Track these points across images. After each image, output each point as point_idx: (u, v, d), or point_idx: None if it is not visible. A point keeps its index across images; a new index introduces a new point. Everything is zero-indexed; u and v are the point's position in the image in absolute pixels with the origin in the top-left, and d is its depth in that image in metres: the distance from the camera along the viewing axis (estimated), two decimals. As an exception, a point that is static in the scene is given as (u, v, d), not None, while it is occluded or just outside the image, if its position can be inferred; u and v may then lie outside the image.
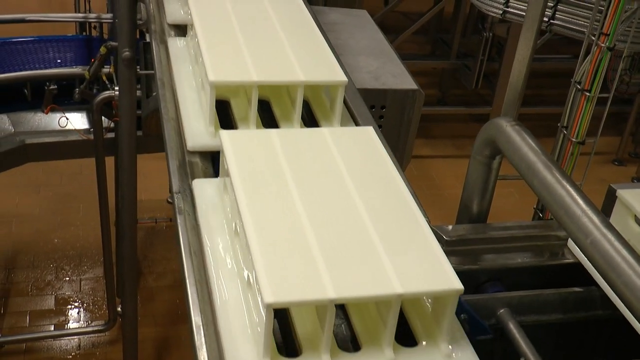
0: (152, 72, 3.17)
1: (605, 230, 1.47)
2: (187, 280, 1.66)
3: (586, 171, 2.34)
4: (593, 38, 2.17)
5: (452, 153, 7.06)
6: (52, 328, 4.81)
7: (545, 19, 4.15)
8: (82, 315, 4.93)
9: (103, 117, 4.10)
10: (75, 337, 4.79)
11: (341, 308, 1.62)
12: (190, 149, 2.04)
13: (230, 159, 1.74)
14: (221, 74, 2.04)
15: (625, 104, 6.87)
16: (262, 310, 1.41)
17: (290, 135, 1.91)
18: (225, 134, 1.83)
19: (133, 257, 4.01)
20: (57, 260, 5.35)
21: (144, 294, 5.01)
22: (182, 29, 2.64)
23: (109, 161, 4.40)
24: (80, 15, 5.76)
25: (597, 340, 1.94)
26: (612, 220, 1.79)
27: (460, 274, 1.86)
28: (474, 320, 1.70)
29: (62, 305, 4.97)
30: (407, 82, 2.88)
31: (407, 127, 2.91)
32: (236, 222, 1.67)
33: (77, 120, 4.50)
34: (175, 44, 2.53)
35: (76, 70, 4.30)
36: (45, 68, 4.44)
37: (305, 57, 2.19)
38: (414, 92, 2.85)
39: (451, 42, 7.22)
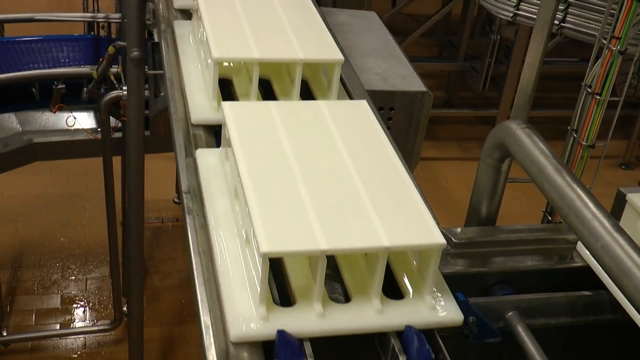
0: (161, 72, 3.17)
1: (616, 234, 1.46)
2: (196, 280, 1.66)
3: (596, 175, 2.33)
4: (604, 41, 2.16)
5: (459, 155, 7.05)
6: (58, 327, 4.81)
7: (556, 22, 4.14)
8: (87, 314, 4.94)
9: (110, 117, 4.11)
10: (81, 336, 4.80)
11: (334, 270, 1.70)
12: (194, 122, 2.16)
13: (231, 127, 1.84)
14: (224, 51, 2.16)
15: (633, 108, 6.85)
16: (258, 261, 1.52)
17: (288, 107, 2.02)
18: (227, 105, 1.94)
19: (139, 256, 4.01)
20: (63, 259, 5.35)
21: (149, 293, 5.02)
22: (188, 15, 2.75)
23: (116, 161, 4.40)
24: (88, 15, 5.77)
25: (606, 344, 1.93)
26: (621, 224, 1.79)
27: (469, 277, 1.87)
28: (483, 323, 1.70)
29: (68, 304, 4.98)
30: (415, 84, 2.88)
31: (415, 129, 2.91)
32: (236, 185, 1.77)
33: (84, 120, 4.51)
34: (181, 26, 2.66)
35: (84, 69, 4.31)
36: (54, 67, 4.44)
37: (304, 37, 2.31)
38: (422, 94, 2.85)
39: (459, 45, 7.21)
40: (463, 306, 1.65)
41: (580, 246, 1.92)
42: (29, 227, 5.59)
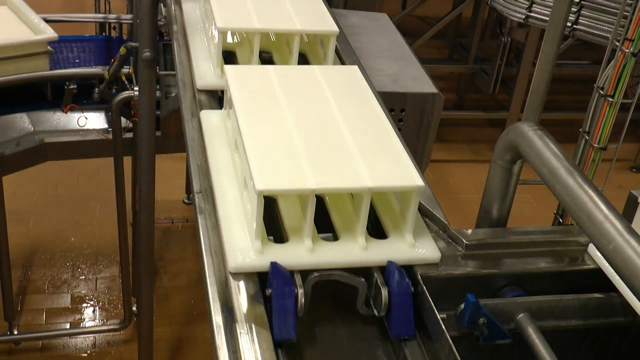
0: (173, 72, 3.19)
1: (628, 236, 1.46)
2: (208, 280, 1.67)
3: (607, 177, 2.33)
4: (617, 43, 2.16)
5: (469, 158, 7.04)
6: (68, 326, 4.83)
7: (568, 24, 4.13)
8: (97, 313, 4.96)
9: (122, 117, 4.12)
10: (91, 335, 4.82)
11: (323, 221, 1.85)
12: (199, 87, 2.40)
13: (233, 87, 2.04)
14: (228, 22, 2.41)
15: (644, 111, 6.83)
16: (253, 199, 1.68)
17: (285, 70, 2.25)
18: (229, 68, 2.15)
19: (149, 256, 4.02)
20: (73, 258, 5.37)
21: (159, 293, 5.03)
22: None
23: (127, 161, 4.42)
24: (100, 15, 5.79)
25: (618, 347, 1.92)
26: (633, 226, 1.78)
27: (479, 278, 1.87)
28: (493, 324, 1.70)
29: (78, 304, 5.00)
30: (426, 86, 2.88)
31: (426, 131, 2.91)
32: (236, 138, 1.95)
33: (95, 120, 4.52)
34: (188, 4, 2.95)
35: (96, 70, 4.32)
36: (65, 68, 4.46)
37: (302, 11, 2.56)
38: (433, 95, 2.85)
39: (469, 47, 7.20)
40: (474, 308, 1.69)
41: (591, 248, 1.91)
42: (39, 226, 5.62)
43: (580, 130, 2.26)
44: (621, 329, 1.89)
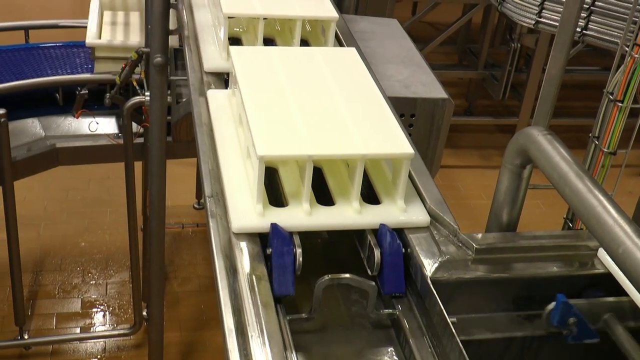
0: (184, 77, 3.20)
1: (637, 240, 1.46)
2: (219, 284, 1.69)
3: (617, 181, 2.33)
4: (626, 49, 2.16)
5: (479, 163, 7.03)
6: (78, 331, 4.85)
7: (578, 29, 4.13)
8: (108, 318, 4.97)
9: (133, 123, 4.15)
10: (101, 340, 4.83)
11: (321, 193, 1.95)
12: (207, 70, 2.57)
13: (237, 66, 2.16)
14: (233, 8, 2.58)
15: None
16: (255, 165, 1.80)
17: (287, 51, 2.42)
18: (234, 49, 2.28)
19: (160, 261, 4.04)
20: (84, 263, 5.39)
21: (169, 298, 5.04)
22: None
23: (137, 166, 4.44)
24: (111, 21, 5.81)
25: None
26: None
27: (490, 282, 1.87)
28: (583, 323, 1.77)
29: (88, 308, 5.02)
30: (437, 91, 2.89)
31: (436, 136, 2.92)
32: (240, 113, 2.07)
33: (106, 125, 4.55)
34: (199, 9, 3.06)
35: (107, 75, 4.35)
36: (77, 73, 4.49)
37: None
38: (443, 101, 2.86)
39: (479, 53, 7.20)
40: (564, 307, 1.77)
41: (601, 253, 1.91)
42: (50, 231, 5.65)
43: (590, 135, 2.27)
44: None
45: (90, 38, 4.38)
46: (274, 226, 1.77)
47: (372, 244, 1.83)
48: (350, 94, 2.09)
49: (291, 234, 1.78)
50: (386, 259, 1.80)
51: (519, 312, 1.91)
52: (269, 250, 1.74)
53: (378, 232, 1.85)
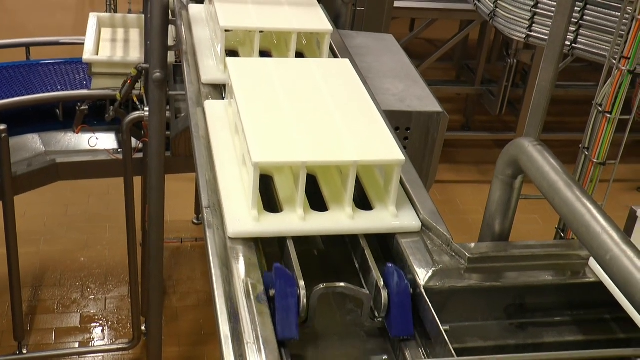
0: (182, 93, 3.24)
1: (625, 247, 1.49)
2: (216, 292, 1.71)
3: (607, 192, 2.36)
4: (614, 61, 2.21)
5: (476, 178, 7.07)
6: (77, 345, 4.87)
7: (568, 42, 4.19)
8: (106, 333, 4.98)
9: (132, 138, 4.18)
10: (100, 354, 4.84)
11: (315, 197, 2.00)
12: (204, 81, 2.63)
13: (234, 76, 2.22)
14: (230, 21, 2.67)
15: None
16: (250, 172, 1.85)
17: (282, 62, 2.49)
18: (230, 60, 2.34)
19: (159, 276, 4.05)
20: (83, 278, 5.42)
21: (168, 313, 5.06)
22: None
23: (136, 181, 4.47)
24: (111, 38, 5.86)
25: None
26: (632, 240, 1.81)
27: (482, 292, 1.90)
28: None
29: (87, 323, 5.03)
30: (431, 105, 2.93)
31: (431, 149, 2.95)
32: (236, 122, 2.12)
33: (106, 141, 4.59)
34: (194, 8, 3.23)
35: (107, 91, 4.39)
36: (77, 89, 4.53)
37: (298, 13, 2.82)
38: (438, 114, 2.89)
39: (476, 69, 7.25)
40: None
41: (592, 262, 1.95)
42: (50, 246, 5.67)
43: (580, 146, 2.31)
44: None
45: (88, 54, 4.43)
46: (278, 267, 1.73)
47: (379, 285, 1.78)
48: (343, 103, 2.15)
49: (295, 275, 1.75)
50: (393, 300, 1.76)
51: (511, 321, 1.94)
52: (272, 292, 1.70)
53: (385, 271, 1.81)
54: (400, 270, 1.80)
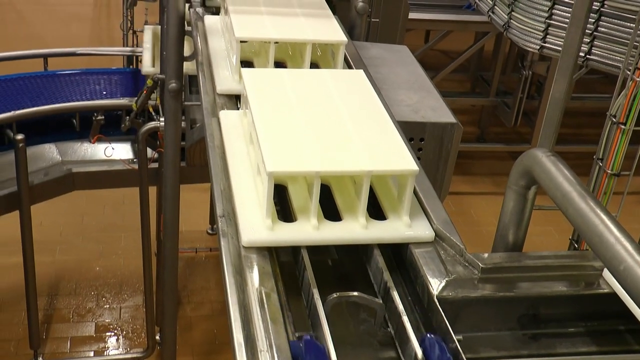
0: (198, 103, 3.26)
1: (638, 258, 1.49)
2: (230, 299, 1.72)
3: (621, 203, 2.36)
4: (628, 72, 2.21)
5: (491, 190, 7.05)
6: (92, 354, 4.89)
7: (582, 54, 4.18)
8: (121, 342, 5.01)
9: (147, 148, 4.21)
10: (114, 363, 4.87)
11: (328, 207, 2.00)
12: (219, 92, 2.65)
13: (249, 87, 2.23)
14: (245, 32, 2.67)
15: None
16: (264, 181, 1.86)
17: (297, 73, 2.50)
18: (245, 70, 2.35)
19: (173, 286, 4.07)
20: (98, 287, 5.44)
21: (182, 323, 5.07)
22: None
23: (151, 191, 4.49)
24: (127, 49, 5.92)
25: None
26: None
27: (495, 302, 1.90)
28: None
29: (102, 332, 5.06)
30: (445, 116, 2.93)
31: (445, 160, 2.95)
32: (251, 132, 2.13)
33: (122, 151, 4.62)
34: (209, 19, 3.26)
35: (123, 101, 4.43)
36: (94, 99, 4.57)
37: (313, 24, 2.83)
38: (452, 125, 2.90)
39: (491, 80, 7.25)
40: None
41: (606, 273, 1.94)
42: (65, 255, 5.70)
43: (594, 157, 2.30)
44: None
45: (146, 67, 4.44)
46: (308, 340, 1.61)
47: (418, 358, 1.64)
48: (357, 113, 2.16)
49: (326, 348, 1.62)
50: None
51: (524, 331, 1.93)
52: None
53: (424, 342, 1.66)
54: (442, 343, 1.65)
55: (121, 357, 4.88)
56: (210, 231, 6.07)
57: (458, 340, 1.69)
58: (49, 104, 4.46)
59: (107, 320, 5.16)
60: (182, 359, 4.73)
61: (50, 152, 4.53)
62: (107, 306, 5.28)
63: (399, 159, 1.96)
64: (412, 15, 5.99)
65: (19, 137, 3.90)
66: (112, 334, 5.06)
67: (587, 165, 4.58)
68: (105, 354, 4.91)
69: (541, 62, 6.52)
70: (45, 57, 5.04)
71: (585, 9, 2.12)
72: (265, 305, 1.68)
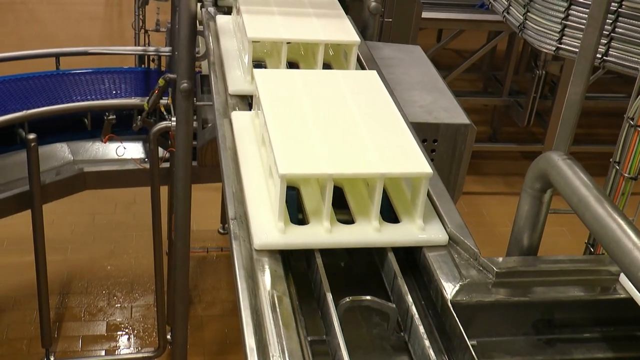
0: (210, 103, 3.25)
1: (656, 264, 1.47)
2: (242, 303, 1.71)
3: (639, 207, 2.33)
4: (647, 74, 2.18)
5: (503, 190, 7.01)
6: (103, 353, 4.89)
7: (599, 55, 4.14)
8: (132, 341, 5.00)
9: (159, 147, 4.20)
10: (125, 362, 4.87)
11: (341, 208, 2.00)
12: (232, 92, 2.63)
13: (261, 88, 2.22)
14: (257, 32, 2.65)
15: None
16: (276, 183, 1.84)
17: (309, 73, 2.50)
18: (257, 71, 2.34)
19: (185, 285, 4.07)
20: (109, 287, 5.45)
21: (193, 322, 5.06)
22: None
23: (162, 191, 4.49)
24: (139, 48, 5.92)
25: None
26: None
27: (510, 307, 1.88)
28: None
29: (113, 331, 5.06)
30: (459, 117, 2.91)
31: (458, 161, 2.93)
32: (263, 133, 2.13)
33: (133, 150, 4.62)
34: (221, 19, 3.22)
35: (135, 101, 4.42)
36: (105, 99, 4.57)
37: (326, 24, 2.81)
38: (466, 126, 2.87)
39: (503, 80, 7.21)
40: None
41: (622, 278, 1.92)
42: (77, 254, 5.71)
43: (611, 160, 2.27)
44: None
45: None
46: None
47: None
48: (370, 115, 2.14)
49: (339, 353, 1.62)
50: None
51: (539, 336, 1.91)
52: None
53: None
54: None
55: (132, 356, 4.88)
56: (221, 230, 6.06)
57: (472, 346, 1.67)
58: (61, 104, 4.46)
59: (118, 319, 5.16)
60: (193, 358, 4.72)
61: (62, 151, 4.54)
62: (119, 305, 5.28)
63: (413, 161, 1.94)
64: (425, 14, 5.96)
65: (31, 136, 3.90)
66: (123, 333, 5.06)
67: (600, 166, 4.55)
68: (116, 353, 4.91)
69: (555, 62, 6.47)
70: (57, 56, 5.04)
71: (602, 10, 2.09)
72: (278, 310, 1.67)
